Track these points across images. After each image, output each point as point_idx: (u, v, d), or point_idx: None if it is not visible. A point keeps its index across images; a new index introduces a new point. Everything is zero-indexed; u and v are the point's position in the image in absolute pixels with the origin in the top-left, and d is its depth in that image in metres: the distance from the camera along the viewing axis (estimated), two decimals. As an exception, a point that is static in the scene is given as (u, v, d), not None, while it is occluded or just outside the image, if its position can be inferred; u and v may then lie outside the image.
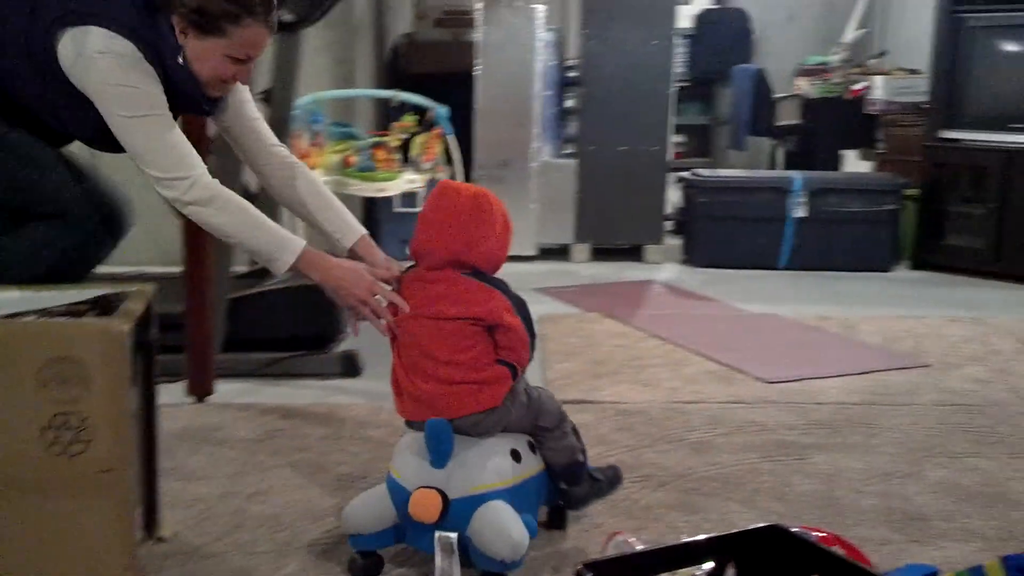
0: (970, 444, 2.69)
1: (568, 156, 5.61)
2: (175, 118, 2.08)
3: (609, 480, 2.13)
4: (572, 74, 5.76)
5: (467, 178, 4.99)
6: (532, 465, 1.96)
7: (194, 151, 2.01)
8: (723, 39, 7.78)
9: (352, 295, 2.00)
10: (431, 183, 4.67)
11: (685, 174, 5.47)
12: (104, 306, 1.83)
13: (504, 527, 1.80)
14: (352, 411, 2.87)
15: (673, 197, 5.61)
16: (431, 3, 6.23)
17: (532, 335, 1.94)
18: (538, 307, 4.24)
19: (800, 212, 5.13)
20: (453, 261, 1.88)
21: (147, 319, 1.90)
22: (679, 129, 7.64)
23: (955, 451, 2.64)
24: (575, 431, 2.04)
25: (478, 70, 5.19)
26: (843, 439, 2.72)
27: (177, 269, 2.90)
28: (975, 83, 5.06)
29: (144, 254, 4.72)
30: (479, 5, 5.18)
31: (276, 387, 3.07)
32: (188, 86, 2.05)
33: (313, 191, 2.28)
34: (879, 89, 6.21)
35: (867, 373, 3.32)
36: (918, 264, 5.26)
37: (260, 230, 2.03)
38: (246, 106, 2.28)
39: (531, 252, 5.27)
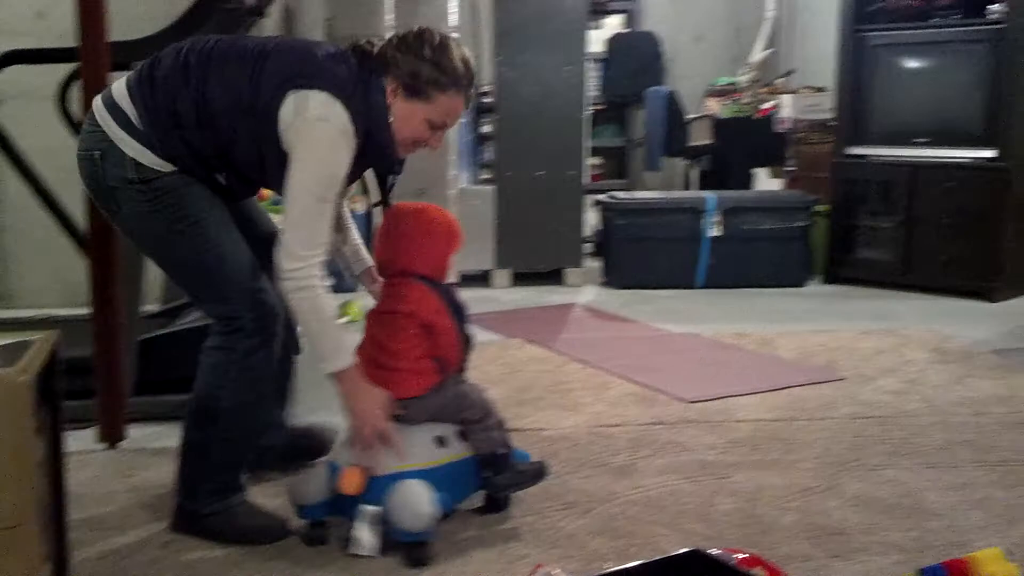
0: (886, 456, 2.74)
1: (486, 182, 5.62)
2: (362, 172, 2.26)
3: (534, 472, 2.34)
4: (487, 100, 5.78)
5: (385, 207, 4.96)
6: (458, 451, 2.24)
7: (327, 242, 2.11)
8: (635, 62, 7.89)
9: (363, 425, 2.14)
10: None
11: (602, 197, 5.51)
12: (5, 356, 1.77)
13: (414, 502, 2.07)
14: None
15: (591, 220, 5.65)
16: (343, 34, 6.19)
17: (466, 339, 2.30)
18: (459, 335, 4.24)
19: (714, 231, 5.21)
20: (404, 270, 2.26)
21: (52, 367, 1.84)
22: (595, 152, 7.73)
23: (872, 463, 2.69)
24: (501, 426, 2.30)
25: (392, 99, 5.18)
26: (763, 456, 2.76)
27: (85, 311, 2.82)
28: (879, 100, 5.19)
29: (50, 296, 4.62)
30: (390, 33, 5.18)
31: (193, 428, 3.00)
32: (386, 146, 2.16)
33: (346, 225, 2.50)
34: (787, 108, 6.36)
35: (784, 389, 3.37)
36: (830, 278, 5.37)
37: (326, 331, 2.11)
38: None
39: (451, 279, 5.25)
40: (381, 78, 2.13)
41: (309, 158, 2.04)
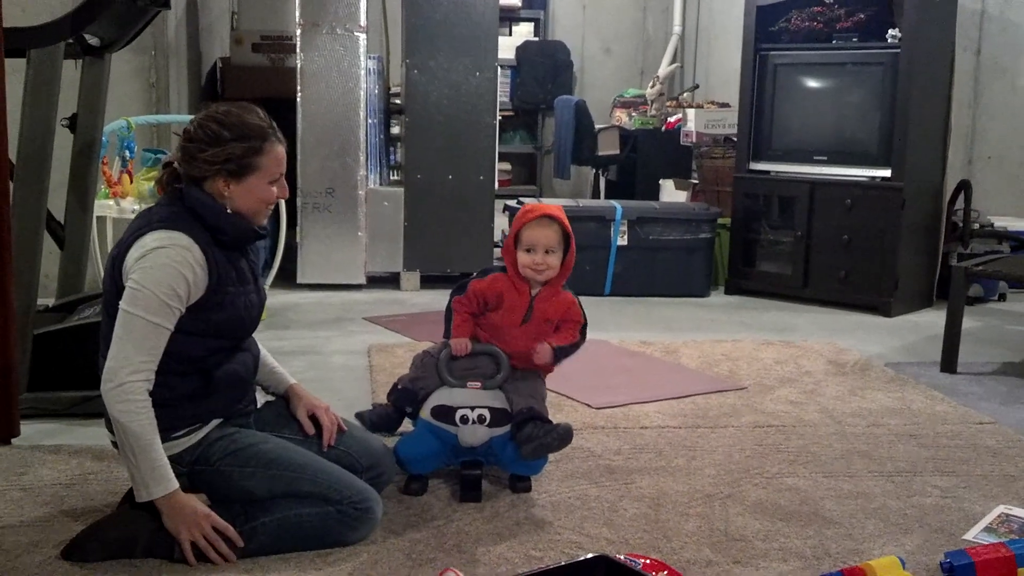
0: (786, 464, 2.81)
1: (395, 184, 5.59)
2: (238, 262, 2.28)
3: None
4: (397, 102, 5.74)
5: (292, 206, 4.90)
6: None
7: (150, 365, 2.10)
8: (544, 70, 7.93)
9: (178, 529, 2.08)
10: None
11: (511, 202, 5.53)
12: None
13: None
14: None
15: (501, 224, 5.66)
16: (248, 28, 6.10)
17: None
18: (368, 337, 4.20)
19: (621, 240, 5.27)
20: None
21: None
22: (505, 157, 7.75)
23: (772, 471, 2.75)
24: None
25: (300, 96, 5.11)
26: (667, 462, 2.79)
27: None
28: (780, 117, 5.32)
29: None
30: (298, 31, 5.11)
31: (87, 427, 2.90)
32: (241, 229, 2.24)
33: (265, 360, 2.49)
34: (692, 122, 6.46)
35: (688, 397, 3.42)
36: (731, 289, 5.48)
37: (147, 453, 2.07)
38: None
39: (360, 281, 5.21)
40: (201, 185, 2.21)
41: (142, 279, 2.09)
